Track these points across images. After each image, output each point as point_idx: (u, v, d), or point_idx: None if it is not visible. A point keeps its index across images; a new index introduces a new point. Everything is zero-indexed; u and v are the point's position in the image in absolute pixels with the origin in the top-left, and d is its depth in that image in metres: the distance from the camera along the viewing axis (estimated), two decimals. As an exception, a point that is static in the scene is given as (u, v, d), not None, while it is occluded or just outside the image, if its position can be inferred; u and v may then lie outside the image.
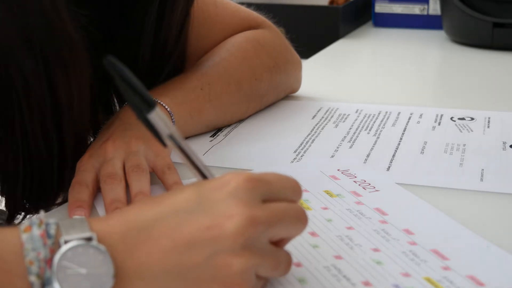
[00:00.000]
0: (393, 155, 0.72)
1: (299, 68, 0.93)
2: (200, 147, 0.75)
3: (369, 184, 0.63)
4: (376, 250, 0.51)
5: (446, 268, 0.48)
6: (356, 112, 0.87)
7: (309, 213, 0.57)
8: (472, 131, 0.79)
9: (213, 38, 0.86)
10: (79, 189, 0.59)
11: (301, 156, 0.72)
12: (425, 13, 1.50)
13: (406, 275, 0.47)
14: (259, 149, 0.75)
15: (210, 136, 0.78)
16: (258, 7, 1.54)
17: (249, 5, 1.56)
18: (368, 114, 0.86)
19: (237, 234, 0.41)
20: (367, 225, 0.55)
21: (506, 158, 0.71)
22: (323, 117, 0.86)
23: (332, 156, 0.72)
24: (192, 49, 0.81)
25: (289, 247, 0.51)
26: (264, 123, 0.84)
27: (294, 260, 0.49)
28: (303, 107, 0.90)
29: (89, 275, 0.40)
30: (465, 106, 0.89)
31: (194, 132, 0.78)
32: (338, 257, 0.50)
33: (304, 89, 0.95)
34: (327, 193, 0.62)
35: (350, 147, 0.75)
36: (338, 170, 0.67)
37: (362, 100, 0.93)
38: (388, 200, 0.60)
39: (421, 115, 0.85)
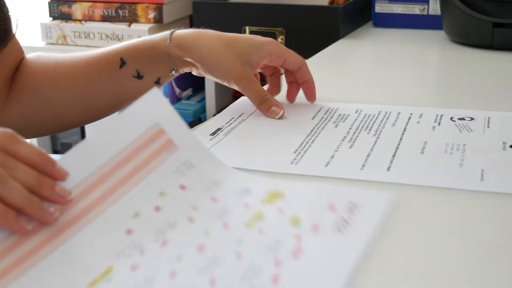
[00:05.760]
0: (393, 155, 0.72)
1: None
2: (200, 147, 0.75)
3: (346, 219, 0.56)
4: (226, 226, 0.55)
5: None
6: (356, 112, 0.87)
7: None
8: (472, 131, 0.79)
9: None
10: None
11: (301, 156, 0.72)
12: (425, 13, 1.50)
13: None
14: (259, 149, 0.75)
15: (210, 135, 0.78)
16: (258, 7, 1.54)
17: (249, 5, 1.57)
18: (368, 114, 0.86)
19: None
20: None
21: (506, 158, 0.71)
22: (323, 117, 0.86)
23: (332, 157, 0.72)
24: None
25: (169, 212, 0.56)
26: (264, 123, 0.84)
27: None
28: (303, 107, 0.90)
29: None
30: (465, 106, 0.89)
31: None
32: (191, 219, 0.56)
33: (304, 89, 0.95)
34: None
35: (350, 147, 0.75)
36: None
37: (362, 100, 0.93)
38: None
39: (421, 115, 0.86)
